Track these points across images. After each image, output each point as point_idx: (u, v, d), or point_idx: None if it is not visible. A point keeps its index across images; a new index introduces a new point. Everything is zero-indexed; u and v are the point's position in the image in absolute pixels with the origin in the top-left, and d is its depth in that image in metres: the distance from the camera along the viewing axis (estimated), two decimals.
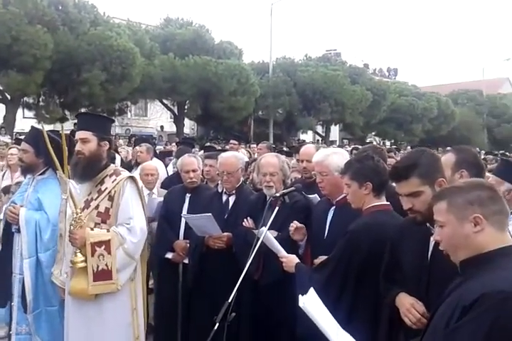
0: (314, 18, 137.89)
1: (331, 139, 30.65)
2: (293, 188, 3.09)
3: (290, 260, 3.01)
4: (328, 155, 3.15)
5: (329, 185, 3.14)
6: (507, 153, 17.67)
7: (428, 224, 2.27)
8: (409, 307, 2.17)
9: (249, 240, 3.50)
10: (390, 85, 30.32)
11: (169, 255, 4.20)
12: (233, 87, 21.00)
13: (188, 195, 4.34)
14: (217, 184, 4.31)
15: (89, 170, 3.03)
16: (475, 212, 1.73)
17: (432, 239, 2.26)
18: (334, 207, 3.22)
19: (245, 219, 3.65)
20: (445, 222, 1.80)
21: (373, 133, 33.34)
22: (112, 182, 3.05)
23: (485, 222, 1.73)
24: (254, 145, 12.21)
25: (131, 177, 3.13)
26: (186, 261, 4.12)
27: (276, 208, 2.93)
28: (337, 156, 3.16)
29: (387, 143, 32.57)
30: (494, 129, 37.28)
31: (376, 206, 2.80)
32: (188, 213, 4.13)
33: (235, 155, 4.09)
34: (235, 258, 3.75)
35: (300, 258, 3.10)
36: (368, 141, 31.32)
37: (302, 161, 3.95)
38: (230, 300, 2.65)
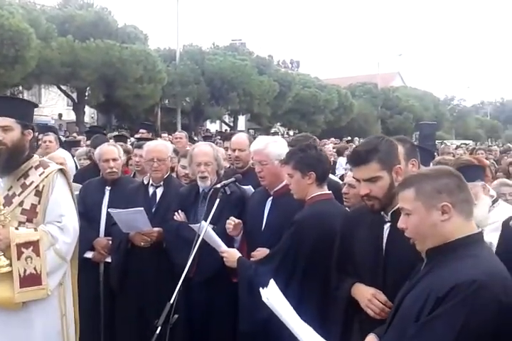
0: (220, 6, 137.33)
1: (238, 129, 30.81)
2: (233, 179, 2.93)
3: (231, 254, 2.89)
4: (268, 144, 3.04)
5: (269, 174, 3.03)
6: None
7: (382, 212, 2.24)
8: (371, 297, 2.13)
9: (182, 234, 3.32)
10: (294, 77, 31.06)
11: (89, 254, 3.84)
12: (139, 74, 20.18)
13: (107, 188, 3.99)
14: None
15: (12, 162, 2.62)
16: (443, 201, 1.71)
17: (385, 227, 2.24)
18: (272, 197, 3.12)
19: (176, 213, 3.43)
20: (412, 209, 1.76)
21: (279, 124, 34.07)
22: (40, 175, 2.66)
23: (453, 210, 1.71)
24: (166, 135, 11.79)
25: (61, 170, 2.77)
26: (108, 259, 3.81)
27: (217, 200, 2.75)
28: (277, 145, 3.06)
29: (291, 133, 33.48)
30: (387, 120, 39.84)
31: (319, 195, 2.77)
32: (108, 208, 3.80)
33: (164, 143, 3.89)
34: (163, 255, 3.54)
35: None
36: (272, 131, 31.98)
37: (234, 150, 3.80)
38: (172, 301, 2.45)
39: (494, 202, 3.51)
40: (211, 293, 3.28)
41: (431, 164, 4.20)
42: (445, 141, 26.62)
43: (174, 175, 4.79)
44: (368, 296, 2.14)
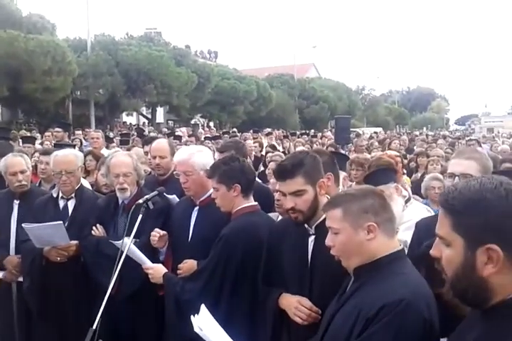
0: None
1: (157, 121, 30.06)
2: (156, 192, 2.81)
3: (157, 271, 2.79)
4: (193, 154, 2.97)
5: (194, 184, 2.96)
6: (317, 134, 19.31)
7: (306, 225, 2.25)
8: (297, 305, 2.14)
9: (103, 251, 3.15)
10: (213, 68, 30.78)
11: None
12: (47, 66, 18.88)
13: (16, 202, 3.71)
14: (54, 185, 3.75)
15: None
16: (369, 220, 1.75)
17: (310, 240, 2.25)
18: (198, 207, 3.05)
19: (95, 227, 3.25)
20: (340, 229, 1.79)
21: (199, 115, 33.73)
22: None
23: (378, 229, 1.75)
24: (80, 132, 11.18)
25: None
26: (20, 279, 3.54)
27: (140, 216, 2.63)
28: (201, 154, 3.01)
29: (211, 124, 33.31)
30: (304, 110, 40.87)
31: (246, 207, 2.76)
32: (18, 223, 3.53)
33: (73, 153, 3.64)
34: (82, 271, 3.34)
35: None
36: (193, 123, 31.58)
37: (155, 157, 3.66)
38: (94, 327, 2.31)
39: (407, 201, 3.69)
40: (135, 309, 3.15)
41: (347, 165, 4.34)
42: (357, 129, 27.77)
43: (93, 179, 4.54)
44: (293, 304, 2.16)
